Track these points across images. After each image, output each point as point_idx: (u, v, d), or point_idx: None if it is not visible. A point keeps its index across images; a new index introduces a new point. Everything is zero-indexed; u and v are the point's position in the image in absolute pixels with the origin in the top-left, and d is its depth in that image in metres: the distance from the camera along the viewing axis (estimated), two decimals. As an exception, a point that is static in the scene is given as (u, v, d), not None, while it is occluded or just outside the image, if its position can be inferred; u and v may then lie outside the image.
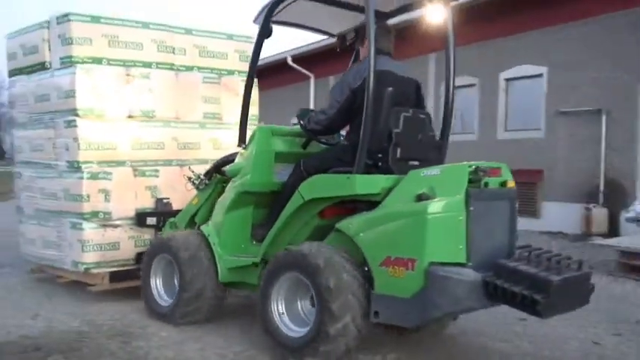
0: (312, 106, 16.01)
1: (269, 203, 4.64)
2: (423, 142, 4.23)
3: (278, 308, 4.08)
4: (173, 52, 5.94)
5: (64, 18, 5.42)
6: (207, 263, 4.67)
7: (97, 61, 5.45)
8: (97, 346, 4.23)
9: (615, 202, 10.36)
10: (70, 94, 5.35)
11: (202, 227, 4.89)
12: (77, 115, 5.32)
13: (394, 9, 4.83)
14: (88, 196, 5.30)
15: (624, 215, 9.41)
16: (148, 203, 5.60)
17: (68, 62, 5.38)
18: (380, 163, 4.02)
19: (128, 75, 5.61)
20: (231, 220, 4.67)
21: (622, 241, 8.22)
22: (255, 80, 6.47)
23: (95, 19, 5.47)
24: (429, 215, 3.57)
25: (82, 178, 5.30)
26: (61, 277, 5.89)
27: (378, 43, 4.29)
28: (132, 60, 5.66)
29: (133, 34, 5.67)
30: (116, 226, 5.45)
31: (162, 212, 5.54)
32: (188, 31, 6.09)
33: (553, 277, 3.45)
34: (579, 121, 11.03)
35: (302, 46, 17.39)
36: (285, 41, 13.21)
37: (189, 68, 6.07)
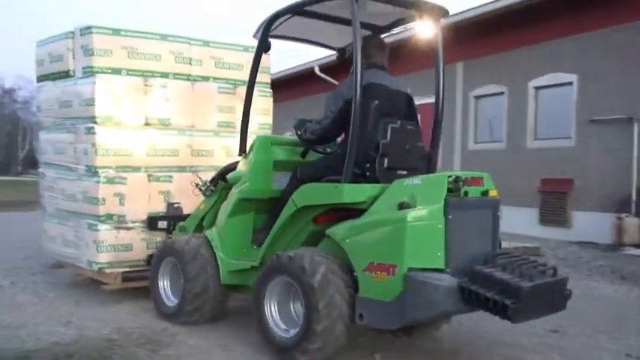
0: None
1: (269, 209, 4.96)
2: (411, 152, 4.48)
3: (271, 311, 4.37)
4: (190, 63, 6.33)
5: (86, 30, 5.84)
6: (208, 265, 5.00)
7: (117, 71, 5.86)
8: (127, 354, 4.37)
9: (648, 212, 10.35)
10: (90, 102, 5.76)
11: (206, 231, 5.23)
12: (96, 122, 5.74)
13: (389, 23, 5.08)
14: (104, 200, 5.71)
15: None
16: (160, 207, 5.98)
17: (89, 72, 5.80)
18: (368, 173, 4.28)
19: (146, 85, 6.01)
20: (232, 225, 5.01)
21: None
22: (270, 91, 6.87)
23: (116, 32, 5.88)
24: (409, 223, 3.81)
25: (98, 182, 5.71)
26: (81, 275, 6.34)
27: (373, 57, 4.63)
28: (150, 70, 6.05)
29: (152, 46, 6.07)
30: (129, 229, 5.84)
31: (173, 216, 5.90)
32: (205, 43, 6.48)
33: (524, 284, 3.66)
34: (610, 129, 11.06)
35: (329, 56, 17.59)
36: (313, 51, 13.54)
37: (205, 78, 6.45)
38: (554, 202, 11.87)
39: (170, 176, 6.08)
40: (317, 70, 18.03)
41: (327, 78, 18.05)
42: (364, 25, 4.97)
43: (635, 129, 10.61)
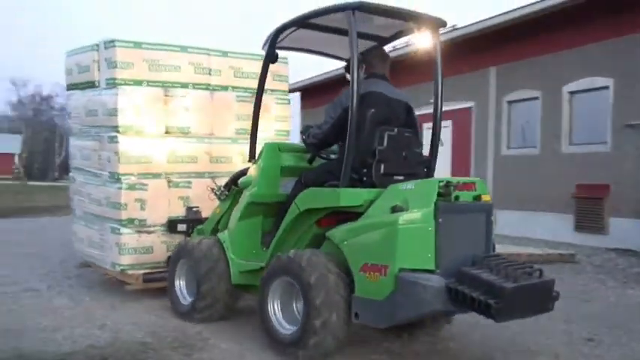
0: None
1: (276, 213, 5.32)
2: (408, 158, 4.77)
3: (274, 309, 4.72)
4: (209, 74, 6.79)
5: (110, 43, 6.33)
6: (219, 265, 5.39)
7: (138, 83, 6.32)
8: (161, 357, 4.56)
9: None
10: (113, 112, 6.24)
11: (219, 234, 5.62)
12: (118, 131, 6.21)
13: (393, 34, 5.39)
14: (126, 205, 6.18)
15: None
16: (179, 212, 6.44)
17: (112, 84, 6.28)
18: (365, 178, 4.61)
19: (166, 95, 6.47)
20: (242, 227, 5.39)
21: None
22: (288, 98, 7.26)
23: (137, 45, 6.36)
24: (400, 226, 4.10)
25: (121, 188, 6.19)
26: (107, 274, 6.82)
27: (374, 67, 4.97)
28: (170, 81, 6.51)
29: (172, 58, 6.53)
30: (150, 232, 6.31)
31: (192, 220, 6.34)
32: (224, 54, 6.93)
33: (507, 284, 3.91)
34: (647, 133, 11.03)
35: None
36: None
37: (224, 88, 6.90)
38: (589, 208, 11.86)
39: (189, 182, 6.53)
40: (349, 77, 18.24)
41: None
42: (369, 37, 5.36)
43: (673, 133, 10.59)
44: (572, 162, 12.34)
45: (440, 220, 4.15)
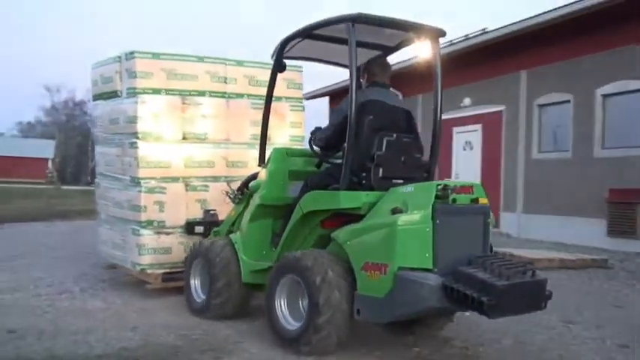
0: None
1: (284, 215, 5.65)
2: (407, 163, 5.06)
3: (281, 306, 5.05)
4: (225, 82, 7.21)
5: (130, 55, 6.79)
6: (231, 264, 5.74)
7: (157, 91, 6.77)
8: None
9: None
10: (134, 119, 6.69)
11: (231, 235, 5.99)
12: (138, 138, 6.66)
13: (397, 44, 5.71)
14: (146, 207, 6.61)
15: None
16: (197, 214, 6.85)
17: (132, 93, 6.74)
18: (364, 181, 4.92)
19: (184, 103, 6.89)
20: (253, 228, 5.75)
21: None
22: (302, 105, 7.63)
23: (156, 56, 6.81)
24: (399, 226, 4.40)
25: (140, 191, 6.62)
26: (129, 275, 7.26)
27: (376, 76, 5.30)
28: (187, 90, 6.95)
29: (189, 68, 6.97)
30: (168, 234, 6.74)
31: (209, 222, 6.73)
32: (240, 63, 7.35)
33: (499, 282, 4.16)
34: (683, 137, 11.07)
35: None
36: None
37: (240, 95, 7.31)
38: (623, 213, 11.90)
39: (206, 186, 6.94)
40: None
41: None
42: (375, 46, 5.69)
43: None
44: (604, 166, 12.41)
45: (437, 221, 4.43)
